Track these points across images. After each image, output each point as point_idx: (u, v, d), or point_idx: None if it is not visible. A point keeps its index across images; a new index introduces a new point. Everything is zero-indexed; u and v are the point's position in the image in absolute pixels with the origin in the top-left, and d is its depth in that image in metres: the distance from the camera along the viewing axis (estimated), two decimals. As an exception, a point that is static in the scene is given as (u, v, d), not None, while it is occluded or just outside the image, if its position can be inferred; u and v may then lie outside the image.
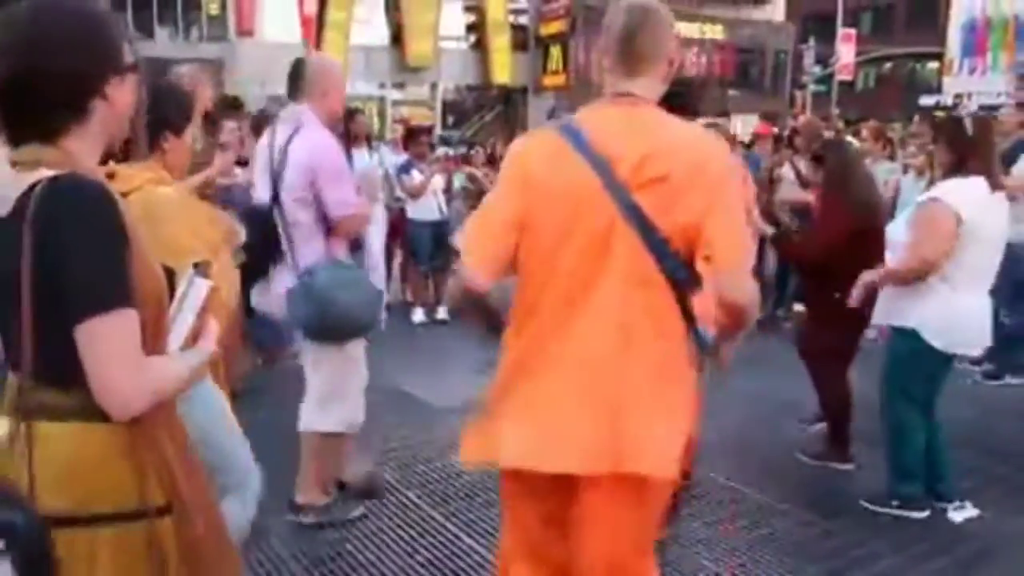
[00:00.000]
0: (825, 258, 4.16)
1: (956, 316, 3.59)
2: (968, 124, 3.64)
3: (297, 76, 3.42)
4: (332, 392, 3.45)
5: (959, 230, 3.45)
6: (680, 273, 1.96)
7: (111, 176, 2.36)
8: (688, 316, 2.02)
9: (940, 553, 3.48)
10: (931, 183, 6.34)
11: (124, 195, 2.31)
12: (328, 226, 3.33)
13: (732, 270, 1.94)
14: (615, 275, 1.94)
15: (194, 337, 1.59)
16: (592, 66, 2.19)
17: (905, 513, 3.78)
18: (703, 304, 2.02)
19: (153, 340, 1.46)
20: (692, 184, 1.92)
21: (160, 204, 2.32)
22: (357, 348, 3.52)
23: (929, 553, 3.47)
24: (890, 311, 3.73)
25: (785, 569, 3.33)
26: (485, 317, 2.15)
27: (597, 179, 1.94)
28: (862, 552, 3.47)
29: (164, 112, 2.50)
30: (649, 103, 2.06)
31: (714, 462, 4.17)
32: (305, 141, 3.31)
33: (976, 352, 3.75)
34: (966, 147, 3.59)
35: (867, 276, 3.70)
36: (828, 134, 8.94)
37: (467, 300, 2.07)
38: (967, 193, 3.49)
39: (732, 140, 7.30)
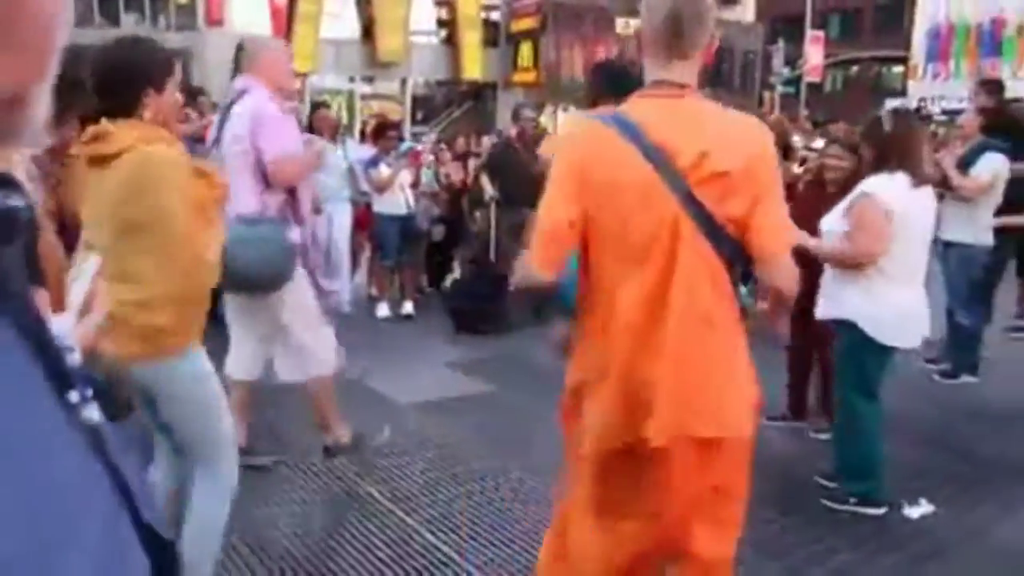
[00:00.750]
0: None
1: (892, 309, 3.68)
2: (887, 122, 3.74)
3: (239, 56, 3.65)
4: (286, 340, 3.76)
5: (890, 228, 3.56)
6: (735, 255, 2.09)
7: (101, 136, 2.35)
8: (736, 290, 2.16)
9: (895, 549, 3.53)
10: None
11: (116, 155, 2.33)
12: (266, 179, 3.49)
13: (776, 258, 2.08)
14: (682, 266, 2.03)
15: (87, 304, 1.62)
16: (637, 48, 2.17)
17: (863, 510, 3.83)
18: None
19: (55, 307, 1.56)
20: (748, 178, 2.02)
21: (151, 165, 2.34)
22: (295, 294, 3.66)
23: (885, 549, 3.52)
24: (829, 305, 3.83)
25: (743, 566, 3.35)
26: (543, 300, 2.32)
27: (656, 174, 2.00)
28: (819, 548, 3.51)
29: (138, 70, 2.46)
30: (692, 91, 2.09)
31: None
32: (249, 100, 3.51)
33: (916, 344, 3.82)
34: (886, 144, 3.71)
35: (810, 242, 3.75)
36: (796, 136, 9.05)
37: (532, 293, 2.20)
38: (893, 189, 3.61)
39: None
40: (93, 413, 0.53)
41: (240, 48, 3.69)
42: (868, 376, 3.78)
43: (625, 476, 2.21)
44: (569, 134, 2.21)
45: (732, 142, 2.03)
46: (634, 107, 2.09)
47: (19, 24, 0.46)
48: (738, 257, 2.09)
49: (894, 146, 3.67)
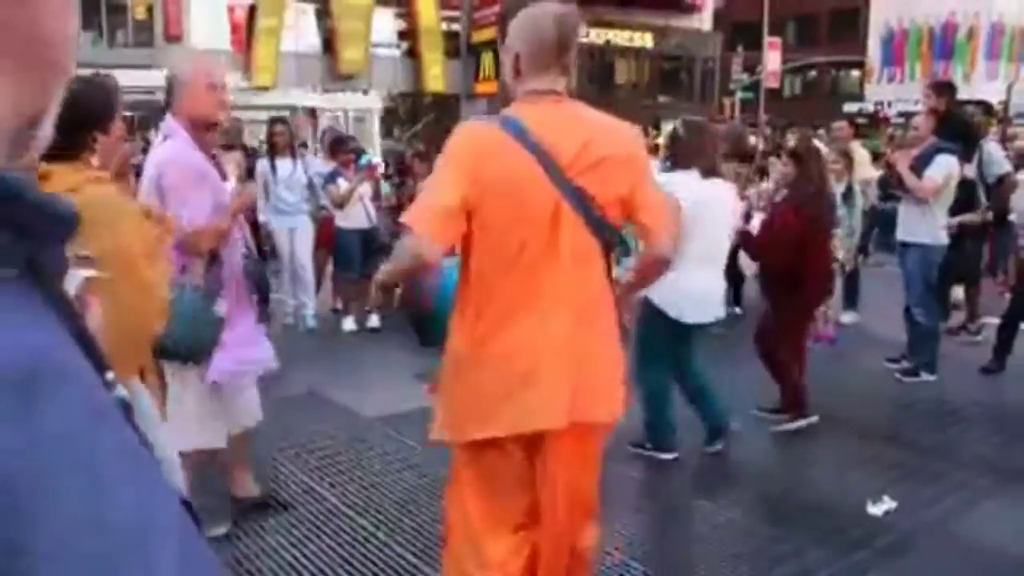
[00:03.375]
0: (799, 251, 4.63)
1: (683, 290, 4.07)
2: (680, 130, 4.39)
3: (167, 90, 3.33)
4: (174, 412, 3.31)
5: (681, 216, 3.89)
6: (612, 241, 2.31)
7: (46, 176, 2.33)
8: (611, 277, 2.35)
9: (860, 546, 3.57)
10: (849, 187, 6.58)
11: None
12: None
13: (662, 230, 2.35)
14: (564, 255, 2.20)
15: None
16: (505, 67, 2.37)
17: (657, 454, 4.41)
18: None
19: None
20: (624, 163, 2.26)
21: (99, 206, 2.32)
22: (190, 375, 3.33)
23: (850, 546, 3.56)
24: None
25: (708, 566, 3.38)
26: (416, 293, 2.38)
27: (540, 168, 2.16)
28: (787, 548, 3.55)
29: (88, 111, 2.45)
30: (568, 98, 2.31)
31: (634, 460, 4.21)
32: (157, 154, 3.22)
33: (710, 319, 4.30)
34: (679, 147, 4.33)
35: None
36: (752, 139, 9.17)
37: (414, 270, 2.23)
38: (683, 184, 4.01)
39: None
40: (122, 392, 0.56)
41: (168, 82, 3.35)
42: (666, 351, 4.33)
43: (509, 473, 2.34)
44: (458, 132, 2.30)
45: (608, 134, 2.29)
46: (520, 110, 2.27)
47: (40, 45, 0.48)
48: (615, 241, 2.34)
49: (687, 149, 4.24)
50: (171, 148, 3.21)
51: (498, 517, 2.37)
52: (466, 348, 2.28)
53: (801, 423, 4.90)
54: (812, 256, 4.71)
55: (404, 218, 2.20)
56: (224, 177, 3.51)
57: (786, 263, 4.63)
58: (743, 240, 4.91)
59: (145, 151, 4.18)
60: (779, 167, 6.98)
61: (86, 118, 2.43)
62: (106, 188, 2.41)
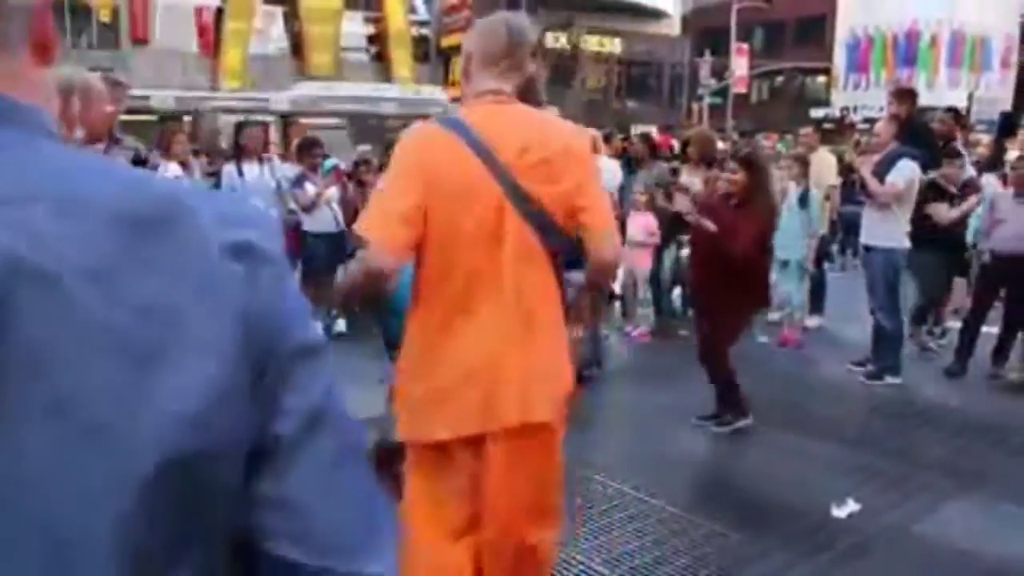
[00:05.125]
0: (750, 253, 4.66)
1: None
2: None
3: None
4: None
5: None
6: (558, 243, 2.28)
7: None
8: (560, 280, 2.34)
9: (825, 548, 3.60)
10: (805, 191, 6.68)
11: None
12: None
13: (606, 230, 2.33)
14: (508, 254, 2.20)
15: None
16: (460, 68, 2.42)
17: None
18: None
19: None
20: (566, 162, 2.25)
21: None
22: None
23: (815, 549, 3.60)
24: None
25: (676, 569, 3.39)
26: (373, 300, 2.39)
27: (484, 167, 2.18)
28: (753, 550, 3.57)
29: None
30: (515, 99, 2.34)
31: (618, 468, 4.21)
32: None
33: None
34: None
35: None
36: (721, 145, 9.22)
37: (372, 283, 2.21)
38: None
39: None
40: None
41: None
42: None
43: (454, 476, 2.32)
44: (408, 136, 2.35)
45: (551, 134, 2.29)
46: (469, 112, 2.31)
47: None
48: (562, 246, 2.30)
49: None
50: None
51: (443, 520, 2.35)
52: (415, 349, 2.29)
53: (746, 422, 4.95)
54: (759, 260, 4.82)
55: (359, 227, 2.19)
56: None
57: (746, 261, 4.64)
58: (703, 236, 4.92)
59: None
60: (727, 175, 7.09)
61: None
62: None
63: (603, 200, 2.39)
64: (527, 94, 3.06)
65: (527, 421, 2.24)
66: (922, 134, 6.30)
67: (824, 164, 8.01)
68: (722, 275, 4.69)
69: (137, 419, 0.58)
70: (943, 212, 6.29)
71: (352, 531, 0.70)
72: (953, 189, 6.38)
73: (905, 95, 6.52)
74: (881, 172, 5.77)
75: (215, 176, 7.20)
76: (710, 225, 4.75)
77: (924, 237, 6.01)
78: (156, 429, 0.58)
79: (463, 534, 2.36)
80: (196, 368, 0.61)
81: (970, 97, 26.52)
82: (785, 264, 6.87)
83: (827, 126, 29.05)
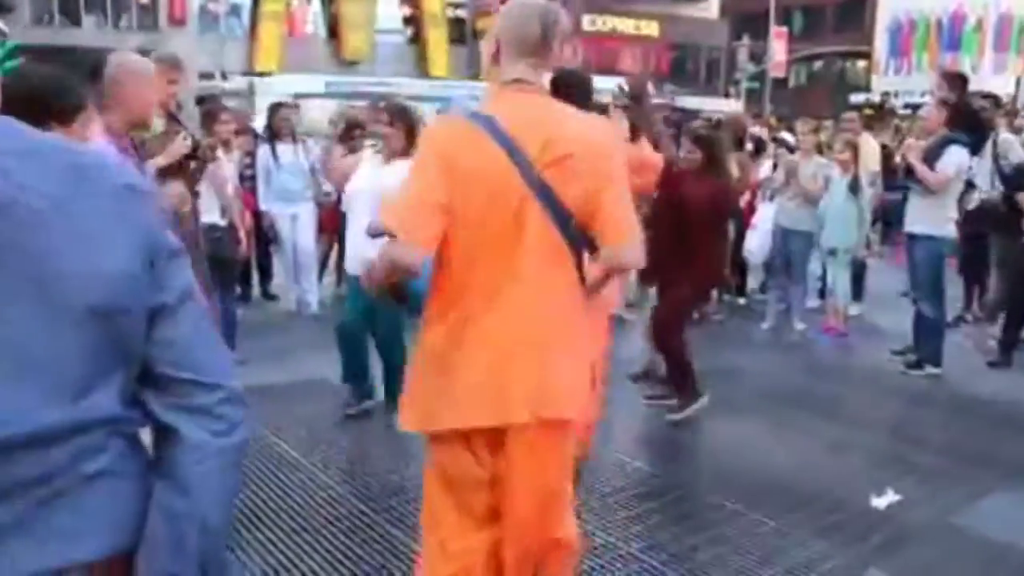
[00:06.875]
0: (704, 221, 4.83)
1: None
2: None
3: (95, 80, 3.08)
4: None
5: None
6: (578, 240, 2.25)
7: None
8: (581, 275, 2.33)
9: (863, 539, 3.56)
10: (855, 179, 6.54)
11: None
12: None
13: (628, 239, 2.27)
14: (531, 248, 2.18)
15: None
16: (485, 55, 2.37)
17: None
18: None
19: None
20: (590, 164, 2.20)
21: None
22: None
23: (854, 538, 3.55)
24: None
25: (713, 558, 3.37)
26: (397, 292, 2.35)
27: (509, 161, 2.15)
28: (790, 540, 3.53)
29: (42, 102, 2.28)
30: (545, 90, 2.33)
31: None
32: None
33: None
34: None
35: None
36: (754, 129, 9.10)
37: (400, 276, 2.21)
38: None
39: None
40: None
41: (97, 69, 3.13)
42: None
43: (472, 467, 2.31)
44: (432, 129, 2.35)
45: (574, 130, 2.24)
46: (491, 103, 2.30)
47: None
48: (583, 244, 2.27)
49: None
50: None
51: (461, 510, 2.35)
52: (433, 341, 2.27)
53: (697, 406, 4.87)
54: (708, 236, 4.91)
55: (383, 218, 2.17)
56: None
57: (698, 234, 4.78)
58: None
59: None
60: (786, 157, 6.96)
61: (36, 110, 2.15)
62: None
63: (624, 205, 2.27)
64: (578, 92, 3.03)
65: (546, 416, 2.23)
66: (971, 120, 6.13)
67: (868, 150, 7.87)
68: (671, 252, 4.71)
69: (80, 279, 1.01)
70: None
71: (211, 358, 1.17)
72: None
73: (956, 79, 6.34)
74: (930, 159, 5.64)
75: (250, 156, 7.23)
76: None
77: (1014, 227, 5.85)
78: (91, 285, 1.02)
79: (484, 525, 2.36)
80: (116, 254, 1.04)
81: (1018, 82, 25.93)
82: (832, 252, 6.76)
83: (867, 112, 28.56)
